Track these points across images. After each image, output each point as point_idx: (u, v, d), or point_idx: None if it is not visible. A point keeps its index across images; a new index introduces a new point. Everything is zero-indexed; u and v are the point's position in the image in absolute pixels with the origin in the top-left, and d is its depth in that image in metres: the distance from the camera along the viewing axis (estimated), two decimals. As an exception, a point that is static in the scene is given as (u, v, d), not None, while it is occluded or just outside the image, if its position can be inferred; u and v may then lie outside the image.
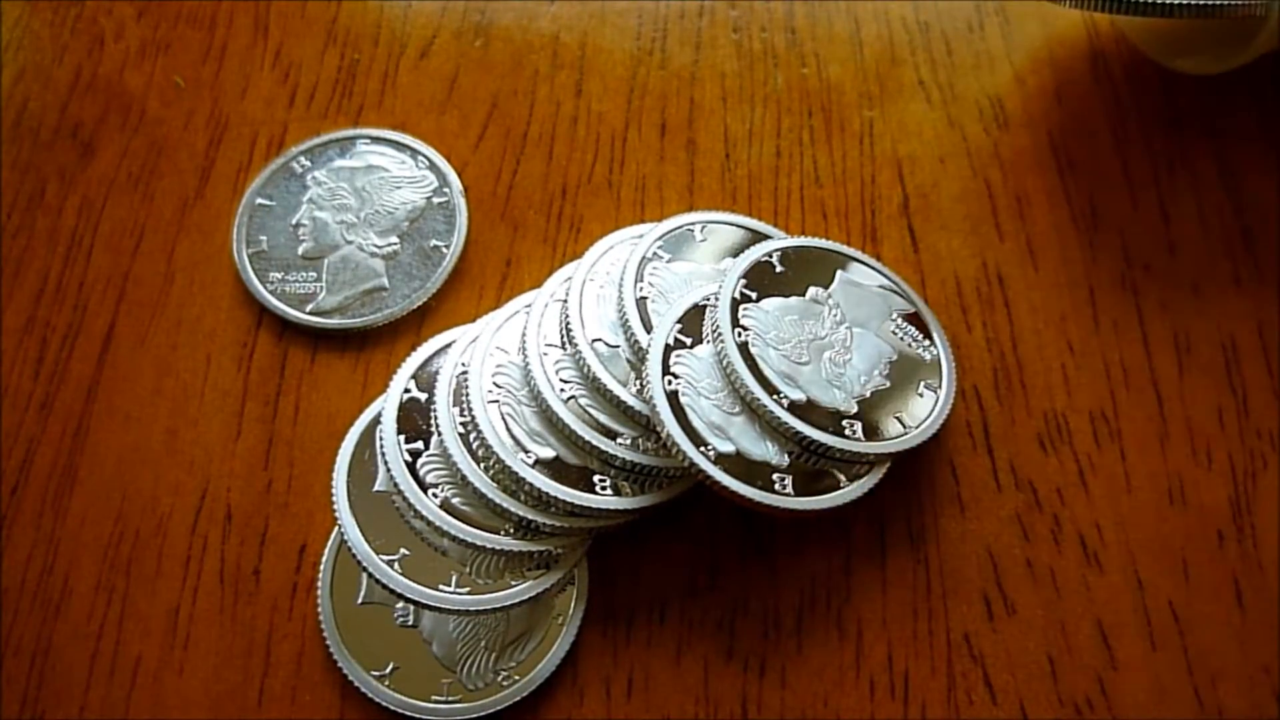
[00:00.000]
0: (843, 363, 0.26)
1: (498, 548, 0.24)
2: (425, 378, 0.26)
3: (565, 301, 0.26)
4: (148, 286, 0.30)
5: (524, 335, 0.26)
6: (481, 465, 0.25)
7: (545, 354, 0.26)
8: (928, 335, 0.27)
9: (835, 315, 0.27)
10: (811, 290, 0.27)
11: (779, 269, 0.27)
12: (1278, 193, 0.30)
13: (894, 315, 0.27)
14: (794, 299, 0.27)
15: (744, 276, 0.26)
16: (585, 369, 0.25)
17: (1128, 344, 0.28)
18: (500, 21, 0.34)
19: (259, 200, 0.30)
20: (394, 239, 0.30)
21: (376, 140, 0.31)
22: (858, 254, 0.28)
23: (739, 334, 0.25)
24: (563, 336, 0.26)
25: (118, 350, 0.29)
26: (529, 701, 0.24)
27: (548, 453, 0.25)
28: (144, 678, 0.25)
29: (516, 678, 0.24)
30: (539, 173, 0.31)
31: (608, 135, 0.32)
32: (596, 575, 0.26)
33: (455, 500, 0.25)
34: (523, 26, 0.34)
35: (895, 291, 0.28)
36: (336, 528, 0.26)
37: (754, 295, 0.26)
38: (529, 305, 0.27)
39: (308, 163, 0.31)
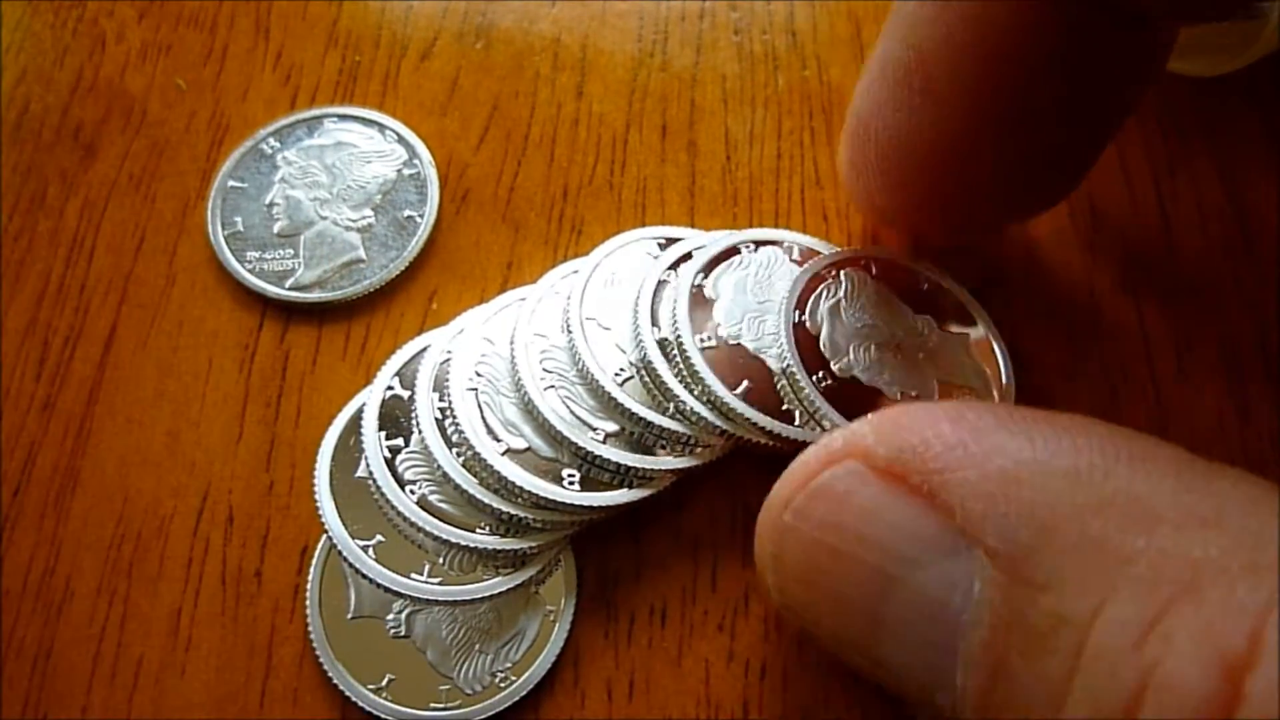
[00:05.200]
0: (882, 365, 0.26)
1: (472, 545, 0.24)
2: (409, 375, 0.26)
3: (568, 292, 0.27)
4: (149, 288, 0.30)
5: (515, 323, 0.26)
6: (454, 452, 0.25)
7: (532, 343, 0.26)
8: None
9: (922, 341, 0.27)
10: (923, 318, 0.27)
11: (925, 287, 0.28)
12: (1278, 193, 0.30)
13: (972, 382, 0.27)
14: (900, 302, 0.27)
15: (877, 258, 0.27)
16: (572, 349, 0.25)
17: (1128, 344, 0.28)
18: (501, 23, 0.34)
19: (231, 183, 0.31)
20: (368, 212, 0.30)
21: (344, 118, 0.32)
22: (991, 328, 0.28)
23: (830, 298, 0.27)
24: (563, 322, 0.26)
25: (119, 352, 0.29)
26: (530, 703, 0.25)
27: (519, 443, 0.25)
28: (145, 679, 0.25)
29: (513, 678, 0.25)
30: (540, 175, 0.31)
31: (609, 137, 0.32)
32: (597, 577, 0.26)
33: (432, 497, 0.25)
34: (524, 28, 0.34)
35: (994, 375, 0.27)
36: (320, 544, 0.26)
37: (872, 271, 0.27)
38: (522, 299, 0.27)
39: (276, 143, 0.31)
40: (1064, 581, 0.16)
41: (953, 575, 0.17)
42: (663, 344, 0.26)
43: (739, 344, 0.26)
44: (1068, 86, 0.22)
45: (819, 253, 0.28)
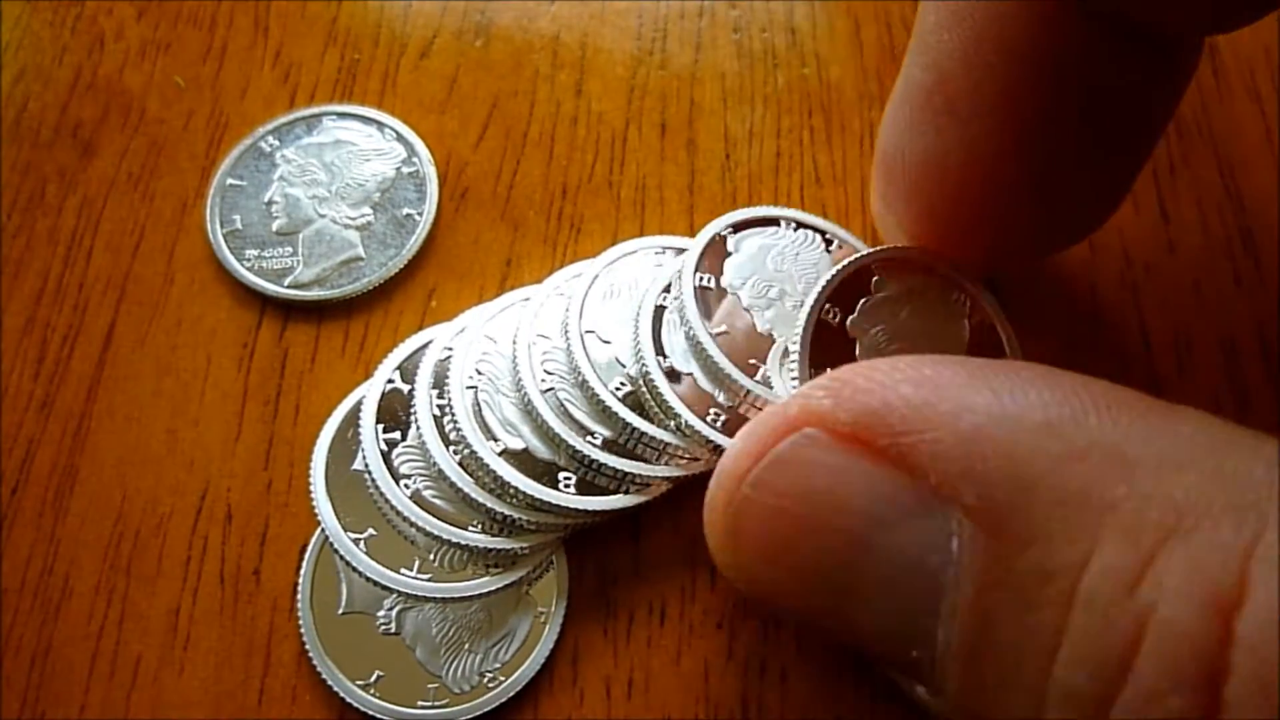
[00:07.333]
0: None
1: (463, 542, 0.24)
2: (410, 370, 0.26)
3: (569, 294, 0.27)
4: (148, 286, 0.30)
5: (519, 323, 0.26)
6: (451, 450, 0.25)
7: (534, 343, 0.26)
8: None
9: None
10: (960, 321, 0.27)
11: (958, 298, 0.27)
12: (1278, 193, 0.30)
13: None
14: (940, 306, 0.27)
15: (888, 259, 0.26)
16: (571, 360, 0.25)
17: (1128, 344, 0.28)
18: (500, 21, 0.34)
19: (229, 181, 0.31)
20: (366, 210, 0.30)
21: (343, 116, 0.32)
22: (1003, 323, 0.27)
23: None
24: (563, 326, 0.26)
25: (118, 350, 0.29)
26: (529, 702, 0.25)
27: (517, 444, 0.25)
28: (144, 678, 0.25)
29: (501, 678, 0.24)
30: (539, 173, 0.31)
31: (608, 135, 0.32)
32: (596, 574, 0.26)
33: (426, 493, 0.25)
34: (523, 26, 0.34)
35: None
36: (314, 538, 0.26)
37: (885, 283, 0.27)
38: (525, 299, 0.27)
39: (275, 141, 0.31)
40: (1049, 534, 0.16)
41: (928, 535, 0.17)
42: (670, 373, 0.25)
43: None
44: (1091, 101, 0.22)
45: (856, 249, 0.28)
